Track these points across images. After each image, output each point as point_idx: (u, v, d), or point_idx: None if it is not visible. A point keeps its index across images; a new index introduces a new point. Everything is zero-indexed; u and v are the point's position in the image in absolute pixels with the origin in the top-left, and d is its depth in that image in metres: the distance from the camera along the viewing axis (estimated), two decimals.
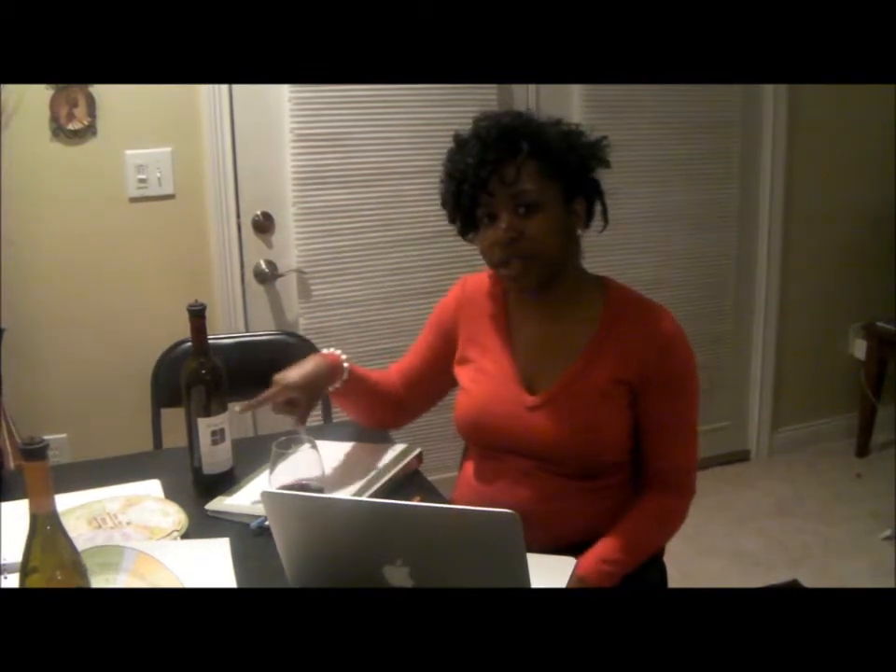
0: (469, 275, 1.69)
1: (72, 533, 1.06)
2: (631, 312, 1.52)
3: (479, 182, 1.44)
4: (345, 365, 1.63)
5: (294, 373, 1.56)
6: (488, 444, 1.58)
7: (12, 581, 1.18)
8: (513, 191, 1.44)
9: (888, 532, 2.85)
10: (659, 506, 1.52)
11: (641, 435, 1.53)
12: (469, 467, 1.63)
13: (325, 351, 1.65)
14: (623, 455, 1.53)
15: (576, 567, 1.38)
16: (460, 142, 1.50)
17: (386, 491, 1.56)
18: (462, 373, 1.62)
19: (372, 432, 1.82)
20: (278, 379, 1.55)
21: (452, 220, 1.55)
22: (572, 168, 1.48)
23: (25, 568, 1.02)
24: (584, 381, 1.50)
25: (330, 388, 1.62)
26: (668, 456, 1.53)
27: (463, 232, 1.55)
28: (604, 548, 1.44)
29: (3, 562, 1.23)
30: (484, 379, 1.57)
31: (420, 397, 1.73)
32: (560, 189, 1.47)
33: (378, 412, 1.73)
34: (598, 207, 1.54)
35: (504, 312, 1.60)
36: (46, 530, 1.01)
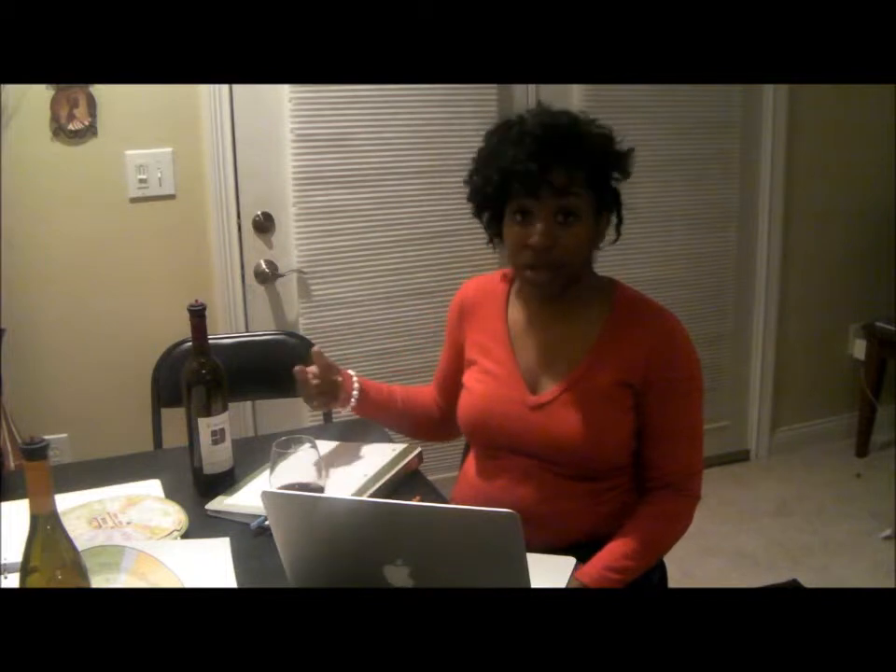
0: (470, 280, 1.70)
1: (72, 533, 1.06)
2: (636, 314, 1.52)
3: (527, 181, 1.40)
4: (355, 384, 1.65)
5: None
6: (490, 443, 1.57)
7: (12, 581, 1.18)
8: (559, 198, 1.41)
9: (888, 532, 2.85)
10: (663, 510, 1.52)
11: (645, 438, 1.52)
12: (471, 465, 1.63)
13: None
14: (625, 458, 1.53)
15: (578, 573, 1.38)
16: (512, 134, 1.44)
17: (386, 491, 1.56)
18: (467, 375, 1.62)
19: (372, 432, 1.82)
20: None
21: (478, 210, 1.53)
22: (608, 178, 1.46)
23: (25, 568, 1.02)
24: (588, 382, 1.49)
25: (347, 406, 1.65)
26: (673, 460, 1.53)
27: (489, 225, 1.53)
28: (609, 555, 1.43)
29: (3, 562, 1.23)
30: (488, 379, 1.57)
31: (452, 407, 1.68)
32: (594, 200, 1.45)
33: (420, 428, 1.76)
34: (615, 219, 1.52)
35: (506, 312, 1.60)
36: (46, 530, 1.01)
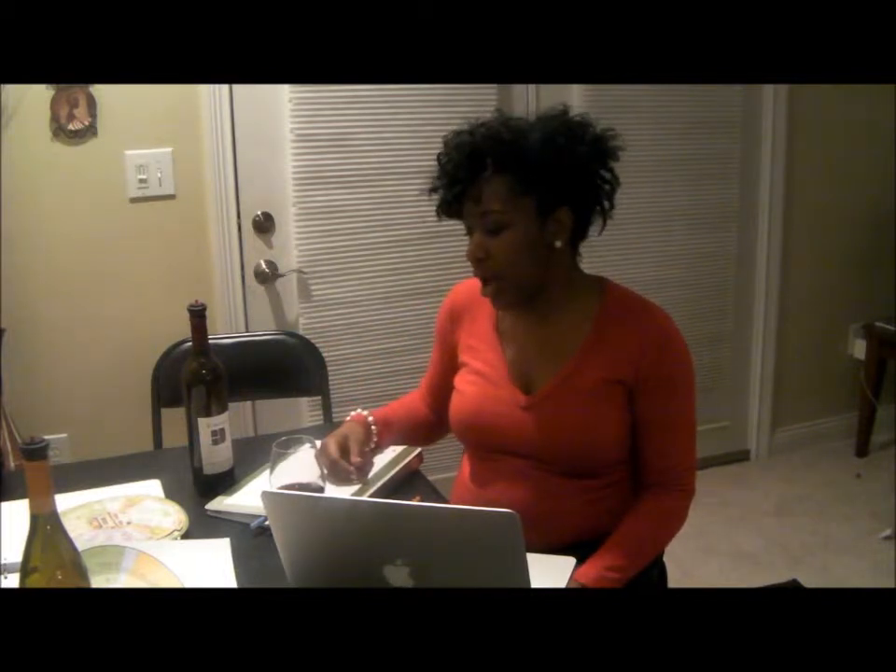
0: (459, 284, 1.70)
1: (72, 533, 1.06)
2: (626, 312, 1.52)
3: (447, 204, 1.47)
4: (372, 427, 1.65)
5: (333, 444, 1.58)
6: (483, 445, 1.57)
7: (12, 581, 1.18)
8: (480, 211, 1.44)
9: (888, 532, 2.85)
10: (659, 507, 1.52)
11: (639, 434, 1.52)
12: (466, 469, 1.63)
13: (352, 414, 1.69)
14: (620, 453, 1.52)
15: (577, 574, 1.37)
16: (441, 156, 1.49)
17: (386, 491, 1.56)
18: (458, 377, 1.62)
19: None
20: (325, 452, 1.56)
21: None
22: (554, 178, 1.42)
23: (25, 568, 1.02)
24: (578, 380, 1.49)
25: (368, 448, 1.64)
26: (666, 456, 1.53)
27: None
28: (606, 555, 1.43)
29: (3, 562, 1.23)
30: (478, 380, 1.57)
31: (442, 412, 1.70)
32: (534, 203, 1.43)
33: (419, 440, 1.75)
34: (600, 207, 1.50)
35: (494, 314, 1.60)
36: (46, 530, 1.01)
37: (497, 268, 1.46)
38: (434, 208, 1.51)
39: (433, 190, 1.50)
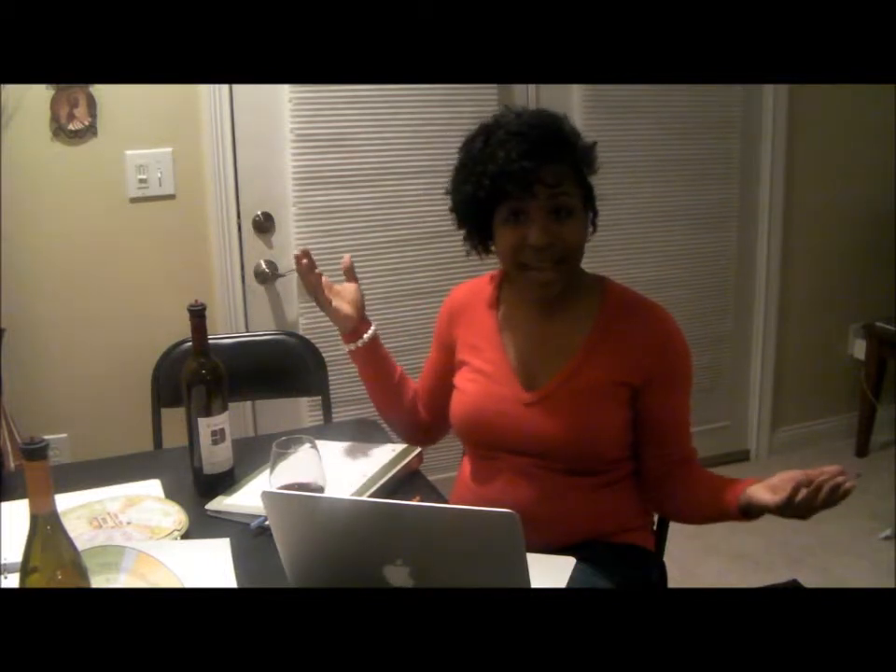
0: (459, 286, 1.71)
1: (72, 533, 1.06)
2: (627, 311, 1.52)
3: (523, 181, 1.39)
4: (370, 330, 1.65)
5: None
6: (484, 443, 1.57)
7: (12, 581, 1.18)
8: (555, 194, 1.41)
9: (888, 532, 2.86)
10: (699, 474, 1.53)
11: (655, 430, 1.52)
12: (467, 468, 1.63)
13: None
14: (621, 451, 1.53)
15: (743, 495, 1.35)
16: (498, 137, 1.42)
17: (386, 491, 1.56)
18: (458, 376, 1.62)
19: (373, 432, 1.82)
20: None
21: (462, 219, 1.53)
22: (588, 173, 1.48)
23: (25, 568, 1.02)
24: (581, 378, 1.49)
25: (351, 345, 1.65)
26: (687, 443, 1.55)
27: (474, 236, 1.53)
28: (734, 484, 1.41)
29: (3, 562, 1.23)
30: (479, 378, 1.57)
31: (438, 413, 1.69)
32: (583, 195, 1.46)
33: (401, 415, 1.73)
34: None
35: (495, 313, 1.60)
36: (46, 530, 1.01)
37: (564, 254, 1.45)
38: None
39: (475, 172, 1.43)
